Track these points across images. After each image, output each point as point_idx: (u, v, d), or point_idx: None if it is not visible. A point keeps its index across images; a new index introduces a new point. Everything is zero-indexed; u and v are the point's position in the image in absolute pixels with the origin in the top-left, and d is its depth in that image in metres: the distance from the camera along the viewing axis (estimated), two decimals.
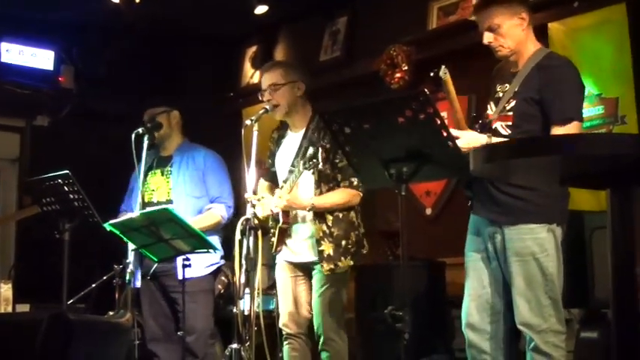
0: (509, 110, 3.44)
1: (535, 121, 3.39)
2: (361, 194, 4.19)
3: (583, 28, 4.96)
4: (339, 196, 4.15)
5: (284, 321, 4.29)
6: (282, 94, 4.30)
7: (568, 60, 3.57)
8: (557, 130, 3.31)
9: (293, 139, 4.37)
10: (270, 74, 4.36)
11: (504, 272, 3.45)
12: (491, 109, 3.55)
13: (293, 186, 4.14)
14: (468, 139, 3.31)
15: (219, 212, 4.87)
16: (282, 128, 4.47)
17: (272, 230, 4.31)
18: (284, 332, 4.29)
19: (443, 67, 3.36)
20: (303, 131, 4.31)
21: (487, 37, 3.47)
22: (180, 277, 4.42)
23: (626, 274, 2.28)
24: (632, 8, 4.73)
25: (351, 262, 4.17)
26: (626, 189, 2.29)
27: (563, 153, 2.21)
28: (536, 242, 3.37)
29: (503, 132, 3.44)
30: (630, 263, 2.27)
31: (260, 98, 4.40)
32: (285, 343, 4.29)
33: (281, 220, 4.22)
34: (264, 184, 4.52)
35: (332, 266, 4.11)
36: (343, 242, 4.14)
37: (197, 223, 4.68)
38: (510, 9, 3.43)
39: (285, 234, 4.28)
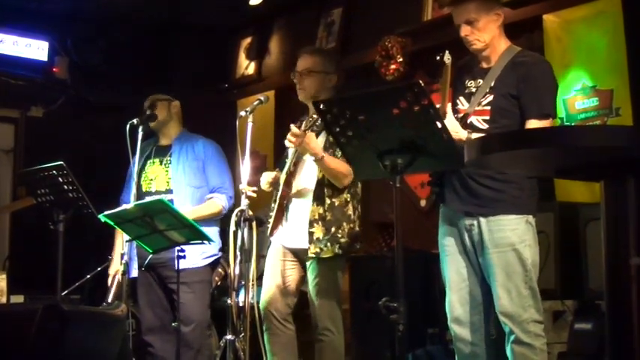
0: (485, 105, 3.50)
1: (512, 117, 3.45)
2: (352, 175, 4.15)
3: (578, 20, 4.95)
4: (342, 165, 4.08)
5: (266, 300, 4.23)
6: (311, 81, 4.29)
7: (543, 57, 3.70)
8: (533, 125, 3.38)
9: None
10: (308, 58, 4.35)
11: (482, 264, 3.49)
12: (462, 104, 3.59)
13: (292, 160, 4.17)
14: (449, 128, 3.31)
15: (221, 202, 4.87)
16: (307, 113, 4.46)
17: (270, 213, 4.30)
18: (264, 315, 4.23)
19: (447, 52, 3.44)
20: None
21: (464, 30, 3.53)
22: (176, 267, 4.42)
23: (619, 266, 2.29)
24: (626, 0, 4.73)
25: (339, 252, 4.14)
26: (620, 181, 2.30)
27: (560, 144, 2.22)
28: (515, 233, 3.41)
29: (480, 126, 3.49)
30: (624, 255, 2.28)
31: (292, 78, 4.38)
32: (265, 329, 4.22)
33: (280, 190, 4.22)
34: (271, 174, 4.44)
35: (317, 250, 4.11)
36: (333, 229, 4.13)
37: (197, 211, 4.68)
38: (487, 4, 3.50)
39: (281, 216, 4.27)
